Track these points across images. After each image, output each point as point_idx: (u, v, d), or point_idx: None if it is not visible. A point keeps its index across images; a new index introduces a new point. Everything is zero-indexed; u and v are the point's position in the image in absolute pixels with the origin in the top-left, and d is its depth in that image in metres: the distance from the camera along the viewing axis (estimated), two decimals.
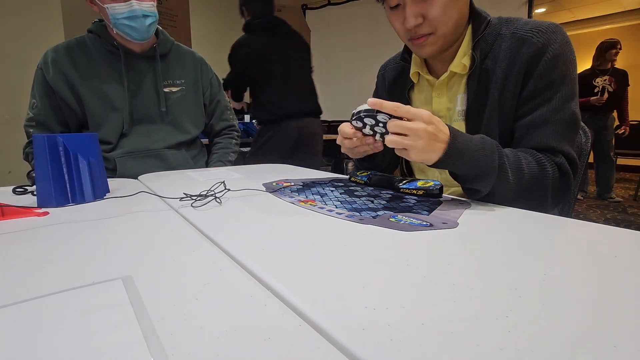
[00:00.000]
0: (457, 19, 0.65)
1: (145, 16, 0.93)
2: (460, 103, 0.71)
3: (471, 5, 0.68)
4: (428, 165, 0.52)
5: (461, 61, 0.68)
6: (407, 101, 0.80)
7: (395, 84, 0.84)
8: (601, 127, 3.14)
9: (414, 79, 0.78)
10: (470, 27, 0.69)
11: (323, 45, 3.92)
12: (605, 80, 3.10)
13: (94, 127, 0.98)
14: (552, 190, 0.60)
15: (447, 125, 0.52)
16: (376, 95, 0.93)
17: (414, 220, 0.45)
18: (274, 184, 0.72)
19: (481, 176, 0.54)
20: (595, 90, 3.10)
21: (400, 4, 0.64)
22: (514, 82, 0.63)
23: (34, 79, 0.97)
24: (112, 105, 0.98)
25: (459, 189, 0.76)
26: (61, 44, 0.97)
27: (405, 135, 0.49)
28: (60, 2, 1.84)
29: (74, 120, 1.00)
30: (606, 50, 3.11)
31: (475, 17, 0.68)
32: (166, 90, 1.06)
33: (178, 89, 1.08)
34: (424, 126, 0.48)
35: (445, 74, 0.70)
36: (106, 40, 0.97)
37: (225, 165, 1.19)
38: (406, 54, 0.80)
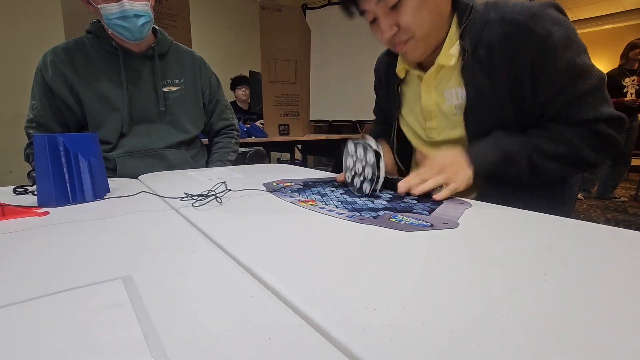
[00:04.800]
0: (432, 20, 0.64)
1: (138, 16, 0.93)
2: (455, 97, 0.68)
3: None
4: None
5: (449, 52, 0.66)
6: (397, 96, 0.81)
7: (388, 78, 0.84)
8: (627, 128, 3.13)
9: (400, 74, 0.77)
10: (455, 17, 0.67)
11: (323, 45, 3.91)
12: (633, 80, 3.08)
13: (94, 127, 0.98)
14: (591, 155, 0.60)
15: (459, 151, 0.58)
16: (376, 87, 0.93)
17: (414, 220, 0.45)
18: (275, 184, 0.72)
19: (508, 164, 0.59)
20: (625, 91, 3.09)
21: (376, 18, 0.66)
22: (521, 70, 0.61)
23: (34, 81, 0.97)
24: (111, 105, 0.98)
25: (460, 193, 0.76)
26: (60, 45, 0.97)
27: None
28: (60, 3, 1.84)
29: (73, 121, 1.00)
30: (630, 50, 3.09)
31: (457, 6, 0.66)
32: (165, 89, 1.06)
33: (177, 88, 1.08)
34: (444, 176, 0.56)
35: (433, 67, 0.69)
36: (104, 41, 0.97)
37: (225, 164, 1.19)
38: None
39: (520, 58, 0.61)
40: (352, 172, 0.64)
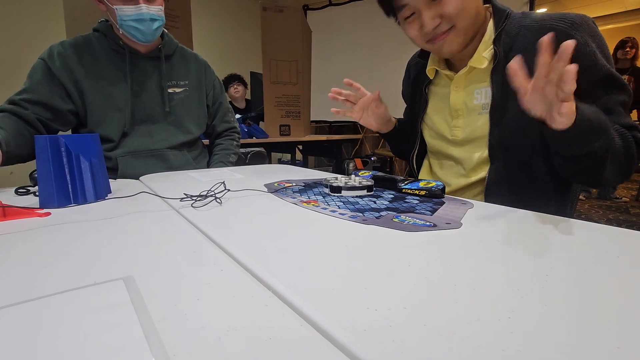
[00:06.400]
0: (475, 13, 0.65)
1: (153, 20, 0.94)
2: (484, 96, 0.71)
3: (492, 1, 0.70)
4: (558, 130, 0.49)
5: (482, 55, 0.68)
6: (425, 97, 0.82)
7: (417, 80, 0.86)
8: None
9: (430, 75, 0.79)
10: (491, 21, 0.69)
11: (324, 45, 3.92)
12: (624, 79, 3.07)
13: (94, 124, 0.97)
14: (634, 157, 0.59)
15: None
16: (404, 84, 0.94)
17: (417, 220, 0.45)
18: (276, 184, 0.72)
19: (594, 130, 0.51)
20: None
21: (415, 12, 0.66)
22: None
23: (32, 71, 0.92)
24: (115, 104, 0.98)
25: (467, 193, 0.76)
26: (67, 41, 0.96)
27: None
28: (63, 5, 1.85)
29: (66, 108, 0.94)
30: (616, 50, 3.09)
31: (495, 11, 0.69)
32: (170, 90, 1.06)
33: (181, 89, 1.09)
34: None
35: (465, 69, 0.71)
36: (112, 40, 0.98)
37: (227, 165, 1.19)
38: (423, 50, 0.80)
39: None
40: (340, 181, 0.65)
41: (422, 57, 0.82)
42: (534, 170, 0.67)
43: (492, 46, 0.67)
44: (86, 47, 0.97)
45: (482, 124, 0.71)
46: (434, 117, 0.81)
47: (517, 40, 0.65)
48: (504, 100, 0.67)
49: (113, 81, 0.98)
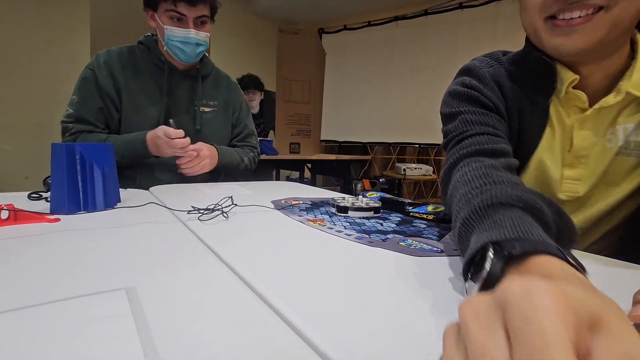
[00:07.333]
0: (634, 16, 0.42)
1: (198, 44, 0.99)
2: (623, 135, 0.49)
3: None
4: None
5: None
6: (545, 117, 0.52)
7: (529, 86, 0.53)
8: None
9: (561, 87, 0.49)
10: None
11: (337, 67, 4.00)
12: None
13: (125, 132, 1.01)
14: None
15: None
16: (485, 98, 0.52)
17: (424, 245, 0.44)
18: (283, 201, 0.72)
19: None
20: None
21: None
22: None
23: (80, 80, 0.99)
24: (147, 115, 1.02)
25: None
26: (113, 50, 1.02)
27: None
28: (89, 18, 1.94)
29: (114, 122, 1.01)
30: None
31: None
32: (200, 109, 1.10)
33: (210, 109, 1.13)
34: None
35: (618, 96, 0.46)
36: (154, 54, 1.03)
37: (239, 157, 1.18)
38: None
39: None
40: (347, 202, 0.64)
41: (542, 51, 0.48)
42: None
43: None
44: (130, 58, 1.02)
45: (625, 175, 0.50)
46: (544, 156, 0.54)
47: None
48: None
49: (149, 94, 1.02)
